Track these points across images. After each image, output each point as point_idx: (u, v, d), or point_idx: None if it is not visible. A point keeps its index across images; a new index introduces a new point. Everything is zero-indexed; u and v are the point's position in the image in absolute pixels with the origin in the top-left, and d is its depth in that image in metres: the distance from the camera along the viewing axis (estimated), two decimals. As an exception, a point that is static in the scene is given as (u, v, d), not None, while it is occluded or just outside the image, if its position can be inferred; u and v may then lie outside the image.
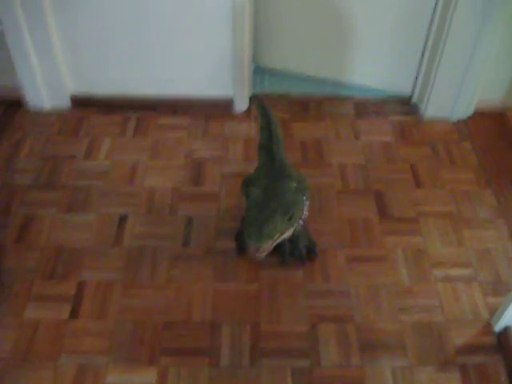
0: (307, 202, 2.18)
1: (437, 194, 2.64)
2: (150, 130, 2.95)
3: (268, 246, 1.97)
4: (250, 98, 3.09)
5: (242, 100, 3.06)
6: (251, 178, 2.23)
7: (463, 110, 3.02)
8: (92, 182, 2.65)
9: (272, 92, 3.23)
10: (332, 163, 2.79)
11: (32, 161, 2.75)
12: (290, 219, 2.00)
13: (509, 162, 2.83)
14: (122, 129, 2.95)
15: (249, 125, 3.00)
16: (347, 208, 2.57)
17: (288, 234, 2.12)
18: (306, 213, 2.19)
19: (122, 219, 2.48)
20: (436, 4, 2.78)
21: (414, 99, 3.16)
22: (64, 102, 3.04)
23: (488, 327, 2.13)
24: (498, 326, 2.10)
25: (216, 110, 3.07)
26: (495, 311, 2.14)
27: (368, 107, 3.15)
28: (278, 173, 2.13)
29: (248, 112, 3.09)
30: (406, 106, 3.16)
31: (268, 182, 2.07)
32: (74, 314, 2.13)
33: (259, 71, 3.35)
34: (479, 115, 3.07)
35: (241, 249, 2.34)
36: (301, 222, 2.19)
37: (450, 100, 2.97)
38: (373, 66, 3.18)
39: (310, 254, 2.33)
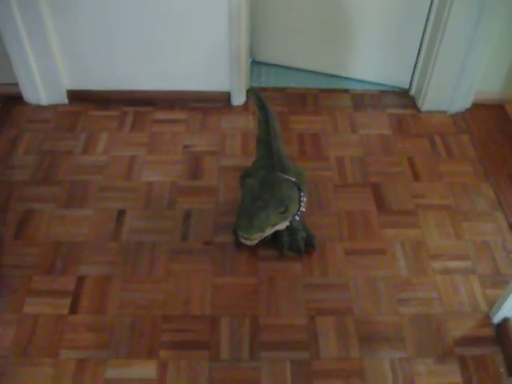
0: (305, 199, 2.18)
1: (435, 187, 2.64)
2: (148, 125, 2.94)
3: (258, 237, 1.97)
4: (248, 92, 3.09)
5: (239, 94, 3.05)
6: (249, 172, 2.23)
7: (461, 102, 3.02)
8: (90, 177, 2.64)
9: (269, 86, 3.23)
10: (330, 156, 2.79)
11: (29, 156, 2.75)
12: (283, 212, 1.99)
13: (507, 154, 2.83)
14: (120, 124, 2.95)
15: (246, 118, 3.00)
16: (345, 201, 2.57)
17: (281, 226, 2.12)
18: (302, 209, 2.19)
19: (120, 214, 2.48)
20: (433, -4, 2.79)
21: (412, 92, 3.16)
22: (61, 98, 3.04)
23: (487, 319, 2.14)
24: (497, 318, 2.11)
25: (213, 104, 3.07)
26: (494, 303, 2.14)
27: (365, 100, 3.15)
28: (275, 166, 2.13)
29: (245, 106, 3.09)
30: (404, 98, 3.16)
31: (264, 175, 2.07)
32: (73, 308, 2.13)
33: (256, 65, 3.35)
34: (477, 108, 3.07)
35: (239, 242, 2.34)
36: (297, 218, 2.19)
37: (447, 92, 2.97)
38: (370, 59, 3.18)
39: (308, 247, 2.33)
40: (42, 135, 2.86)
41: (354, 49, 3.14)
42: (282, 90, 3.21)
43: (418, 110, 3.07)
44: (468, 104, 3.06)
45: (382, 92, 3.20)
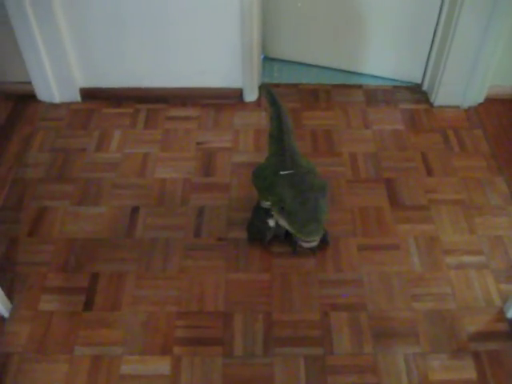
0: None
1: (448, 182, 2.63)
2: (161, 122, 2.95)
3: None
4: (260, 88, 3.09)
5: (251, 90, 3.05)
6: (262, 168, 2.23)
7: (474, 97, 3.00)
8: (103, 175, 2.66)
9: (282, 82, 3.23)
10: (342, 152, 2.78)
11: (43, 154, 2.76)
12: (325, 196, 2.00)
13: (520, 148, 2.82)
14: (133, 121, 2.96)
15: (259, 115, 3.00)
16: (358, 197, 2.56)
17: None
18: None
19: (134, 211, 2.49)
20: (445, -10, 2.77)
21: (425, 87, 3.14)
22: (74, 95, 3.05)
23: (501, 314, 2.13)
24: (511, 313, 2.10)
25: (226, 100, 3.07)
26: (508, 298, 2.13)
27: (378, 95, 3.14)
28: (287, 163, 2.12)
29: (258, 102, 3.09)
30: (417, 93, 3.15)
31: (289, 177, 2.06)
32: (87, 305, 2.15)
33: (269, 61, 3.35)
34: (490, 102, 3.05)
35: (252, 239, 2.35)
36: None
37: (460, 87, 2.96)
38: (383, 54, 3.16)
39: (322, 243, 2.32)
40: (56, 133, 2.88)
41: (367, 44, 3.13)
42: (295, 86, 3.21)
43: (431, 105, 3.05)
44: (481, 98, 3.04)
45: (395, 87, 3.19)
